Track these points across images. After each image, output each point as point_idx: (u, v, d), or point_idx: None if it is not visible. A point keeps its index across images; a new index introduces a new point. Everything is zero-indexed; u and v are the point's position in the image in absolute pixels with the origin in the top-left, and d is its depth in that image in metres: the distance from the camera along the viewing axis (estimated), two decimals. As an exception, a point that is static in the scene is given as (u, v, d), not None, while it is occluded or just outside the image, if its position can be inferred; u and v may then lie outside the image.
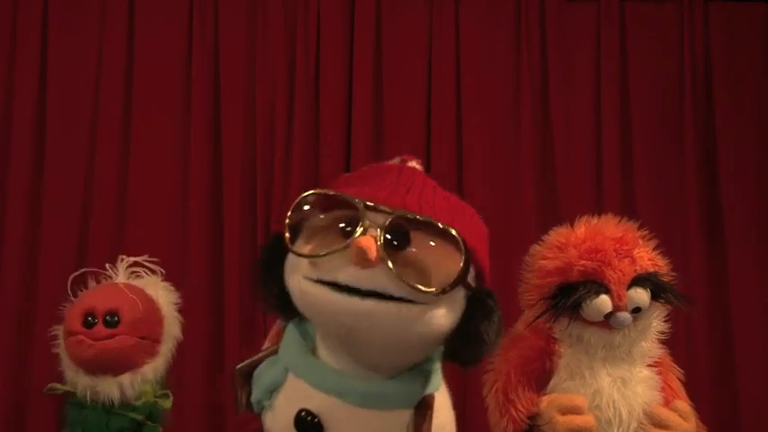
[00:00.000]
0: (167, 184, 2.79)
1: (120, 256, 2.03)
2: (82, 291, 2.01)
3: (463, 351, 0.99)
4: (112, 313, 1.86)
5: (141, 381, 1.87)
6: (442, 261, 0.95)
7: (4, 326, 2.66)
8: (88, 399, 1.83)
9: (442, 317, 0.96)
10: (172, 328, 1.96)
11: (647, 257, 1.60)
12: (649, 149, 2.86)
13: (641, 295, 1.55)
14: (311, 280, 0.96)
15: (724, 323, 2.75)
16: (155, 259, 2.04)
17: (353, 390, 1.00)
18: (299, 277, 0.98)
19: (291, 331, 1.07)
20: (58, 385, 1.92)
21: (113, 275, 1.98)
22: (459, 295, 0.98)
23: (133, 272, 1.98)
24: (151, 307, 1.93)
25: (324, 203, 0.99)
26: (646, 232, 1.65)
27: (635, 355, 1.59)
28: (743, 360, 2.70)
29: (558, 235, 1.66)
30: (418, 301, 0.94)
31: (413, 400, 1.03)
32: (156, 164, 2.79)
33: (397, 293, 0.93)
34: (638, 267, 1.56)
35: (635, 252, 1.58)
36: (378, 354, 0.99)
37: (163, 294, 1.98)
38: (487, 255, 1.05)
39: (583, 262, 1.56)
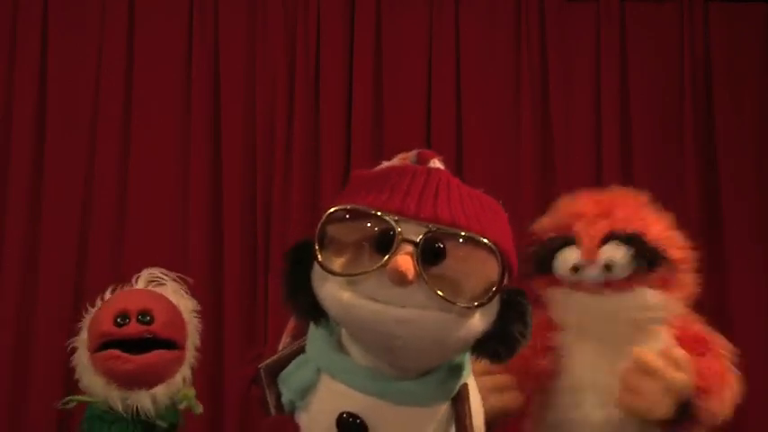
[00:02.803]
0: (167, 185, 2.79)
1: (146, 270, 2.00)
2: (88, 306, 1.94)
3: (497, 350, 1.00)
4: (144, 313, 1.80)
5: (174, 390, 1.83)
6: (479, 271, 0.96)
7: (4, 326, 2.66)
8: (122, 410, 1.77)
9: (479, 321, 0.97)
10: (193, 335, 1.93)
11: (639, 221, 1.44)
12: (649, 149, 2.86)
13: (614, 250, 1.39)
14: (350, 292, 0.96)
15: (724, 324, 2.75)
16: (177, 274, 2.01)
17: (393, 389, 1.00)
18: (336, 288, 0.96)
19: (316, 329, 1.06)
20: (81, 397, 1.83)
21: (133, 284, 1.95)
22: (495, 299, 0.99)
23: (152, 280, 1.95)
24: (177, 312, 1.90)
25: (354, 217, 0.98)
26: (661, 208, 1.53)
27: (641, 340, 1.41)
28: (743, 361, 2.70)
29: (569, 197, 1.58)
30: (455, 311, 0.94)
31: (450, 392, 1.04)
32: (156, 164, 2.79)
33: (435, 306, 0.93)
34: (618, 226, 1.42)
35: (619, 212, 1.44)
36: (415, 358, 1.00)
37: (183, 302, 1.94)
38: (514, 250, 1.05)
39: (557, 218, 1.49)
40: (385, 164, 1.17)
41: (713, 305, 2.75)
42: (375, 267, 0.92)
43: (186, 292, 1.97)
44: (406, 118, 2.84)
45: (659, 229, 1.45)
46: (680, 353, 1.40)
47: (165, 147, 2.81)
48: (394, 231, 0.92)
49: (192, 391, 1.87)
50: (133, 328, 1.78)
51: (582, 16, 2.91)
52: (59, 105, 2.80)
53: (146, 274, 1.96)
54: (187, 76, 2.83)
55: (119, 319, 1.79)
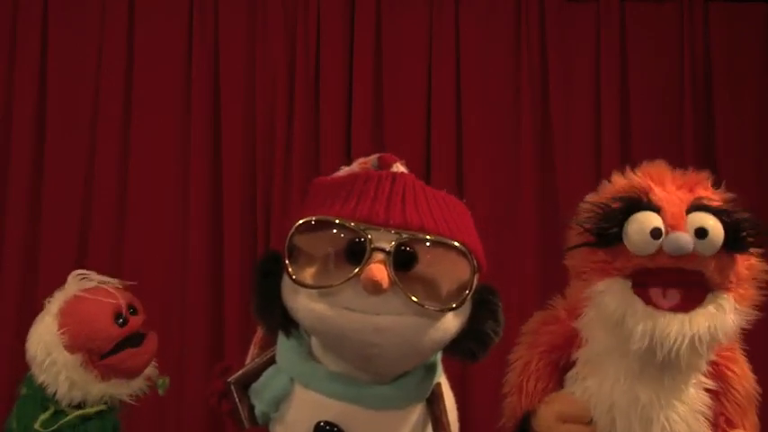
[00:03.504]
0: (167, 185, 2.79)
1: (74, 272, 1.97)
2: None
3: (470, 348, 1.01)
4: (129, 305, 1.86)
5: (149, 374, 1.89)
6: (451, 273, 0.97)
7: (4, 326, 2.65)
8: (108, 405, 1.82)
9: (453, 322, 0.98)
10: None
11: (723, 204, 1.23)
12: (649, 149, 2.84)
13: (705, 218, 1.17)
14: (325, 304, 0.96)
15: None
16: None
17: (368, 394, 1.01)
18: (309, 300, 0.97)
19: (286, 340, 1.07)
20: (91, 409, 1.82)
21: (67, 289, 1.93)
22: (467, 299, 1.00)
23: (83, 279, 1.93)
24: None
25: (319, 225, 0.98)
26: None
27: (687, 360, 1.18)
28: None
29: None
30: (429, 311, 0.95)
31: (425, 393, 1.06)
32: (156, 164, 2.79)
33: (410, 312, 0.94)
34: (704, 201, 1.21)
35: (700, 189, 1.26)
36: (392, 364, 1.00)
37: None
38: (480, 243, 1.04)
39: (628, 181, 1.27)
40: (345, 169, 1.16)
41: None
42: (348, 278, 0.93)
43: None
44: (406, 118, 2.84)
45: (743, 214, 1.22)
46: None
47: (166, 147, 2.81)
48: (365, 240, 0.93)
49: (167, 378, 1.92)
50: (134, 322, 1.84)
51: (582, 16, 2.91)
52: (59, 105, 2.80)
53: (73, 278, 1.93)
54: (187, 76, 2.83)
55: (120, 321, 1.82)
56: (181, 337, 2.67)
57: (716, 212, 1.19)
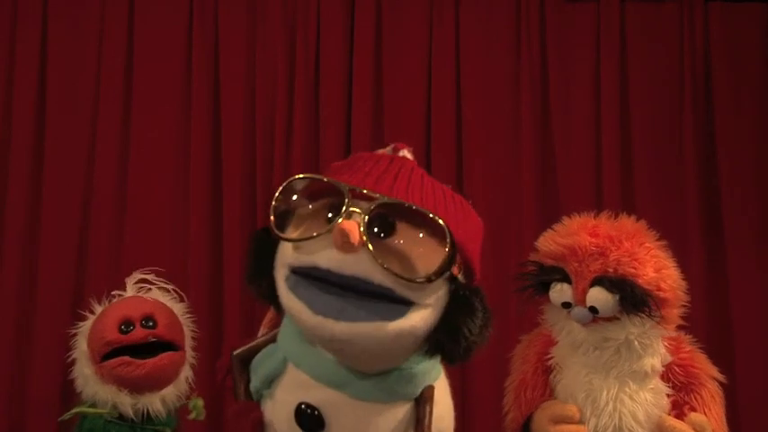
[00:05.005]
0: (167, 184, 2.79)
1: (134, 273, 2.01)
2: (86, 313, 1.97)
3: (445, 345, 0.97)
4: (148, 318, 1.85)
5: (179, 391, 1.88)
6: (427, 252, 0.94)
7: (4, 326, 2.66)
8: (131, 417, 1.81)
9: (419, 320, 0.95)
10: (188, 336, 1.97)
11: (632, 263, 1.49)
12: (649, 149, 2.86)
13: (598, 295, 1.47)
14: (291, 285, 0.96)
15: (724, 325, 2.75)
16: (161, 271, 2.02)
17: (354, 382, 1.00)
18: (282, 278, 0.98)
19: (289, 319, 1.06)
20: (88, 409, 1.84)
21: (122, 292, 1.97)
22: (442, 291, 0.97)
23: (141, 287, 1.97)
24: (174, 314, 1.94)
25: (312, 191, 0.99)
26: (661, 243, 1.57)
27: (639, 368, 1.51)
28: (743, 361, 2.70)
29: (572, 221, 1.62)
30: (398, 293, 0.93)
31: (413, 393, 1.03)
32: (156, 163, 2.79)
33: (377, 281, 0.92)
34: (609, 269, 1.48)
35: (613, 252, 1.49)
36: (363, 364, 1.00)
37: (176, 305, 1.98)
38: (479, 250, 1.03)
39: (556, 248, 1.54)
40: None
41: (713, 305, 2.75)
42: (323, 231, 0.92)
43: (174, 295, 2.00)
44: (406, 118, 2.84)
45: (651, 270, 1.50)
46: (699, 418, 1.49)
47: (166, 146, 2.81)
48: (345, 199, 0.92)
49: (201, 401, 1.92)
50: (139, 334, 1.83)
51: (582, 16, 2.91)
52: (59, 105, 2.80)
53: (133, 279, 1.98)
54: (187, 76, 2.83)
55: (123, 327, 1.83)
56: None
57: (614, 284, 1.47)
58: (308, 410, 1.00)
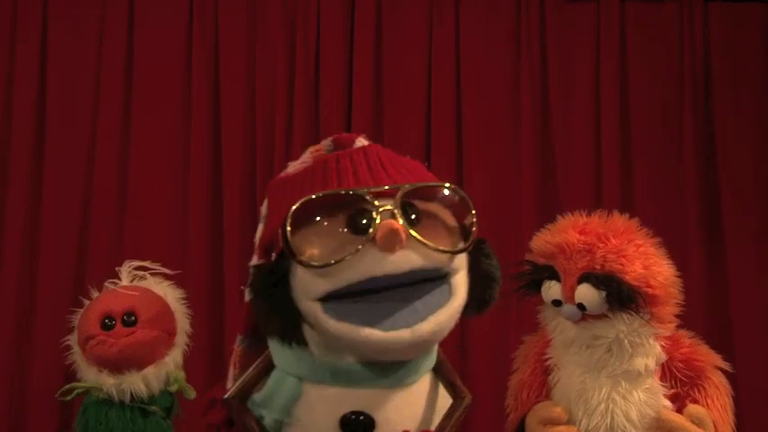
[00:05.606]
0: (167, 184, 2.79)
1: (126, 262, 2.04)
2: (84, 299, 2.02)
3: (484, 294, 0.99)
4: (129, 313, 1.89)
5: (164, 372, 1.91)
6: (458, 219, 0.97)
7: (5, 326, 2.66)
8: (116, 397, 1.86)
9: (462, 282, 0.96)
10: (182, 321, 2.00)
11: (619, 259, 1.48)
12: (649, 149, 2.86)
13: (586, 292, 1.47)
14: (335, 314, 0.92)
15: (724, 325, 2.75)
16: (157, 262, 2.04)
17: (386, 376, 0.99)
18: (318, 311, 0.93)
19: (279, 345, 1.02)
20: (80, 384, 1.91)
21: (117, 281, 2.00)
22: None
23: (136, 275, 2.00)
24: (162, 304, 1.97)
25: (316, 203, 0.94)
26: (654, 240, 1.55)
27: (631, 368, 1.49)
28: (743, 362, 2.69)
29: (564, 219, 1.62)
30: (444, 268, 0.93)
31: (433, 359, 1.04)
32: (156, 163, 2.80)
33: (432, 265, 0.92)
34: (597, 265, 1.48)
35: (600, 249, 1.48)
36: (422, 352, 0.99)
37: (169, 291, 2.01)
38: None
39: (546, 246, 1.55)
40: (295, 164, 1.14)
41: (713, 305, 2.75)
42: (363, 242, 0.89)
43: (171, 283, 2.04)
44: (406, 118, 2.84)
45: (639, 266, 1.48)
46: (699, 410, 1.47)
47: (165, 146, 2.81)
48: (369, 205, 0.91)
49: (181, 373, 1.94)
50: (118, 332, 1.87)
51: (582, 16, 2.91)
52: (59, 105, 2.80)
53: (127, 268, 2.01)
54: (187, 76, 2.83)
55: (106, 320, 1.88)
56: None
57: (601, 281, 1.46)
58: (354, 417, 0.98)
